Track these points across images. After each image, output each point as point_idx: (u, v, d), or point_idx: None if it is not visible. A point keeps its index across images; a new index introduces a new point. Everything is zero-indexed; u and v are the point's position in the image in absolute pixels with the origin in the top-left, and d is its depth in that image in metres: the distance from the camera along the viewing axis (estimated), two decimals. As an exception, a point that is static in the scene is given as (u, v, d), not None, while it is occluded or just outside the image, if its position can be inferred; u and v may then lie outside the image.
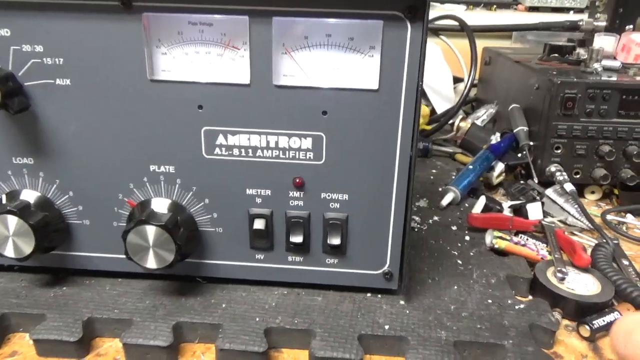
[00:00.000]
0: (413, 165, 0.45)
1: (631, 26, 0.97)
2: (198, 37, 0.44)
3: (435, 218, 0.67)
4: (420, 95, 0.43)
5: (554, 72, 0.80)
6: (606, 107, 0.75)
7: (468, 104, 1.21)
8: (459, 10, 1.62)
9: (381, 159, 0.45)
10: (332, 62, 0.43)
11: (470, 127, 0.97)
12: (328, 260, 0.49)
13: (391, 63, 0.43)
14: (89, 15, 0.43)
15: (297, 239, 0.47)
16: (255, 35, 0.43)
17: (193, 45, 0.44)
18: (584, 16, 1.26)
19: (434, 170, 0.86)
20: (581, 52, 0.92)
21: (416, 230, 0.63)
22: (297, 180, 0.46)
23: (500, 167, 0.80)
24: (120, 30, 0.43)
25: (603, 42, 0.92)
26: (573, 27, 1.09)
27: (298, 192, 0.47)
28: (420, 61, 0.42)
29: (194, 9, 0.42)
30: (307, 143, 0.45)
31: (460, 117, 1.01)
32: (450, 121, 1.02)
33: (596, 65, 0.83)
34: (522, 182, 0.79)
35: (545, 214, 0.71)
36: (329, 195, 0.47)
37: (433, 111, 1.13)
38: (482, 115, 1.05)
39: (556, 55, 0.94)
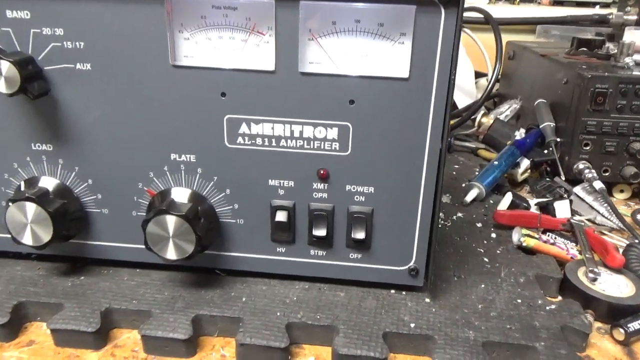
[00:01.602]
0: (443, 159, 0.43)
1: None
2: (222, 21, 0.42)
3: (460, 214, 0.65)
4: (452, 85, 0.41)
5: (584, 67, 0.77)
6: (638, 103, 0.73)
7: (490, 100, 1.18)
8: (481, 3, 1.59)
9: (410, 151, 0.43)
10: (361, 49, 0.42)
11: (493, 122, 0.94)
12: (351, 255, 0.47)
13: (423, 51, 0.41)
14: (110, -2, 0.41)
15: (320, 232, 0.46)
16: (281, 20, 0.41)
17: (216, 30, 0.43)
18: (612, 10, 1.22)
19: (456, 166, 0.84)
20: (611, 47, 0.89)
21: (440, 226, 0.61)
22: (322, 172, 0.45)
23: (525, 163, 0.78)
24: (142, 14, 0.42)
25: (634, 36, 0.89)
26: (602, 20, 1.06)
27: (322, 184, 0.45)
28: (453, 49, 0.40)
29: (218, -8, 0.41)
30: (333, 133, 0.44)
31: (482, 112, 0.99)
32: (472, 116, 1.00)
33: (627, 60, 0.80)
34: (548, 179, 0.76)
35: (573, 212, 0.69)
36: (354, 188, 0.45)
37: (454, 106, 1.10)
38: (506, 110, 1.02)
39: (585, 49, 0.91)
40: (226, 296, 0.46)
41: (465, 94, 1.15)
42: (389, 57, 0.42)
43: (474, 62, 1.20)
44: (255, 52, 0.42)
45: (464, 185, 0.73)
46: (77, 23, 0.42)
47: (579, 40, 0.93)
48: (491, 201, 0.69)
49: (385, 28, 0.41)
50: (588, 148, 0.75)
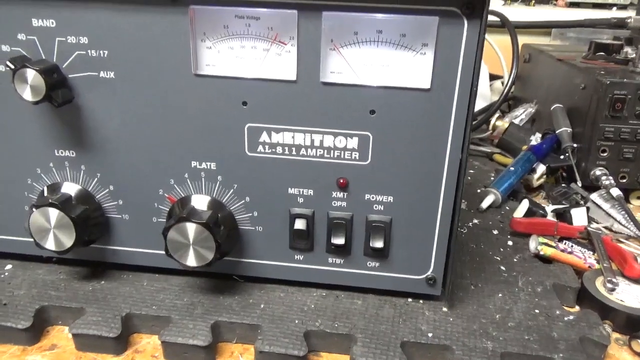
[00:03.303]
0: (464, 169, 0.43)
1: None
2: (244, 31, 0.43)
3: (475, 221, 0.65)
4: (474, 96, 0.41)
5: (602, 72, 0.77)
6: (658, 110, 0.72)
7: (504, 103, 1.18)
8: (496, 5, 1.58)
9: (430, 162, 0.44)
10: (382, 59, 0.42)
11: (508, 126, 0.94)
12: (369, 263, 0.48)
13: (445, 61, 0.41)
14: (134, 7, 0.42)
15: (339, 240, 0.46)
16: (304, 30, 0.41)
17: (239, 40, 0.43)
18: (630, 13, 1.21)
19: (471, 171, 0.83)
20: (629, 51, 0.88)
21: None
22: (341, 181, 0.45)
23: (541, 169, 0.77)
24: (165, 24, 0.42)
25: (653, 40, 0.88)
26: (620, 24, 1.04)
27: (341, 193, 0.46)
28: (476, 60, 0.40)
29: (241, 1, 0.41)
30: (353, 143, 0.44)
31: (497, 115, 0.98)
32: (487, 120, 1.00)
33: (647, 65, 0.79)
34: (564, 185, 0.76)
35: (590, 219, 0.68)
36: (373, 197, 0.45)
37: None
38: (521, 114, 1.01)
39: (602, 53, 0.90)
40: (244, 303, 0.47)
41: (479, 97, 1.14)
42: (410, 68, 0.42)
43: (488, 64, 1.19)
44: (276, 61, 0.43)
45: (479, 191, 0.72)
46: (102, 32, 0.43)
47: (596, 44, 0.92)
48: (507, 207, 0.69)
49: (407, 39, 0.41)
50: (605, 154, 0.74)
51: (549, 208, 0.68)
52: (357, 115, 0.43)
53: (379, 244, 0.46)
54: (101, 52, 0.44)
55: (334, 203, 0.46)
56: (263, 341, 0.42)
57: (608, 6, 1.52)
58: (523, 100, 1.07)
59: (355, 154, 0.44)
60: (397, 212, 0.46)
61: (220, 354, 0.44)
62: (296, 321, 0.44)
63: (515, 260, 0.56)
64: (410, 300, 0.48)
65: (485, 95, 1.16)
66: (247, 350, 0.44)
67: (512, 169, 0.74)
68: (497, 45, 1.17)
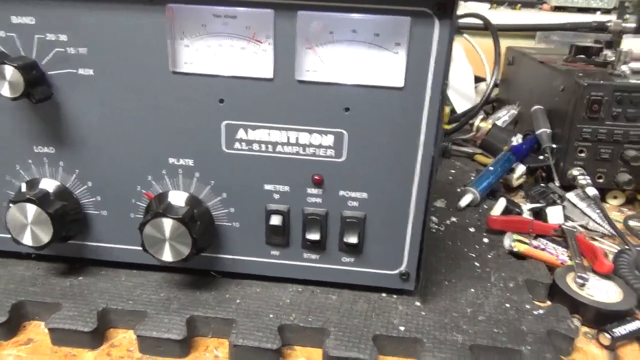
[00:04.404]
0: (435, 166, 0.44)
1: (661, 28, 0.94)
2: (222, 29, 0.43)
3: (453, 219, 0.66)
4: (444, 94, 0.42)
5: (580, 74, 0.78)
6: (633, 111, 0.73)
7: (488, 104, 1.19)
8: (482, 8, 1.59)
9: (403, 159, 0.44)
10: (357, 58, 0.43)
11: (491, 127, 0.95)
12: (344, 259, 0.48)
13: (417, 61, 0.42)
14: (113, 5, 0.42)
15: (314, 236, 0.47)
16: (280, 29, 0.42)
17: (216, 38, 0.44)
18: (612, 17, 1.23)
19: (452, 171, 0.84)
20: (608, 54, 0.90)
21: (433, 231, 0.62)
22: (316, 177, 0.46)
23: (521, 169, 0.79)
24: (144, 22, 0.43)
25: (632, 44, 0.90)
26: (601, 28, 1.06)
27: (316, 189, 0.46)
28: (446, 60, 0.41)
29: (218, 1, 0.42)
30: (328, 140, 0.45)
31: (481, 117, 1.00)
32: (470, 121, 1.01)
33: (624, 68, 0.81)
34: (542, 185, 0.77)
35: (566, 218, 0.69)
36: (347, 194, 0.46)
37: (453, 111, 1.11)
38: (504, 116, 1.03)
39: (582, 56, 0.92)
40: (221, 298, 0.47)
41: (464, 98, 1.16)
42: (384, 67, 0.43)
43: (475, 67, 1.21)
44: (253, 59, 0.43)
45: (459, 190, 0.73)
46: (81, 29, 0.43)
47: (577, 47, 0.94)
48: (485, 206, 0.70)
49: (381, 38, 0.42)
50: (583, 155, 0.75)
51: (526, 207, 0.69)
52: (332, 112, 0.44)
53: (353, 239, 0.46)
54: (80, 49, 0.44)
55: (309, 199, 0.47)
56: (237, 335, 0.43)
57: (592, 10, 1.54)
58: (507, 102, 1.09)
59: (330, 151, 0.45)
60: (371, 208, 0.46)
61: (195, 348, 0.44)
62: (270, 315, 0.45)
63: (489, 256, 0.57)
64: (384, 295, 0.49)
65: (471, 97, 1.17)
66: (222, 345, 0.45)
67: (491, 168, 0.75)
68: (483, 48, 1.18)
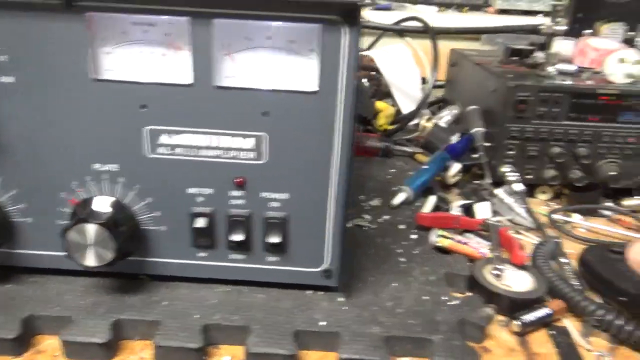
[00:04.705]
0: (351, 166, 0.46)
1: (590, 30, 0.99)
2: (142, 37, 0.44)
3: (386, 217, 0.68)
4: (355, 97, 0.44)
5: (510, 76, 0.82)
6: (558, 110, 0.77)
7: (435, 105, 1.23)
8: (431, 11, 1.64)
9: (320, 159, 0.46)
10: (273, 64, 0.44)
11: (432, 127, 0.98)
12: (269, 258, 0.50)
13: (329, 65, 0.44)
14: (32, 13, 0.43)
15: (238, 237, 0.48)
16: (197, 36, 0.43)
17: (137, 45, 0.45)
18: (548, 20, 1.28)
19: (393, 170, 0.87)
20: (539, 56, 0.94)
21: (365, 229, 0.64)
22: (239, 180, 0.47)
23: (456, 167, 0.82)
24: (63, 29, 0.43)
25: (562, 46, 0.95)
26: (533, 30, 1.11)
27: (239, 191, 0.48)
28: (356, 64, 0.43)
29: (136, 9, 0.43)
30: (249, 143, 0.46)
31: (427, 117, 1.03)
32: (416, 121, 1.04)
33: (550, 69, 0.85)
34: (476, 182, 0.81)
35: (496, 213, 0.73)
36: (269, 195, 0.48)
37: (399, 111, 1.14)
38: (446, 115, 1.07)
39: (516, 58, 0.96)
40: (148, 300, 0.48)
41: (410, 99, 1.18)
42: (299, 72, 0.44)
43: (422, 68, 1.24)
44: (173, 66, 0.45)
45: (394, 189, 0.76)
46: (0, 37, 0.43)
47: (511, 49, 0.98)
48: (419, 204, 0.73)
49: (295, 45, 0.44)
50: (512, 152, 0.79)
51: (456, 203, 0.72)
52: (252, 117, 0.46)
53: (275, 239, 0.48)
54: (1, 57, 0.44)
55: (233, 201, 0.48)
56: (161, 336, 0.44)
57: (535, 13, 1.60)
58: (451, 102, 1.13)
59: (251, 154, 0.47)
60: (293, 208, 0.48)
61: (121, 351, 0.45)
62: (196, 316, 0.46)
63: (416, 252, 0.59)
64: (310, 292, 0.51)
65: (416, 98, 1.20)
66: (147, 347, 0.45)
67: (425, 167, 0.78)
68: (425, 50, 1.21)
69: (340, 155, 0.46)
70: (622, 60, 0.80)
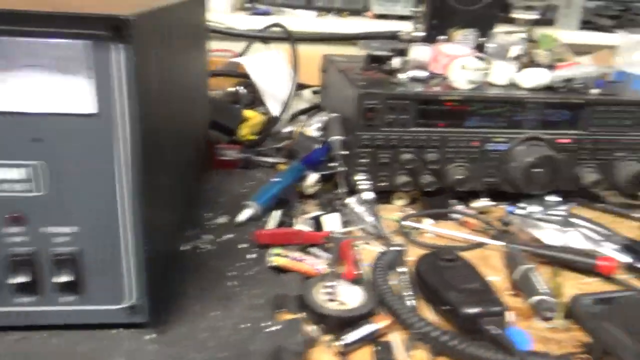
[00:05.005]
0: (147, 190, 0.42)
1: (445, 37, 1.03)
2: None
3: (230, 235, 0.65)
4: (141, 117, 0.41)
5: (363, 83, 0.82)
6: (406, 117, 0.79)
7: (310, 112, 1.22)
8: (310, 16, 1.64)
9: (105, 188, 0.42)
10: (42, 85, 0.39)
11: (298, 135, 0.97)
12: (62, 299, 0.45)
13: (108, 85, 0.40)
14: None
15: (23, 278, 0.43)
16: (-54, 54, 0.37)
17: None
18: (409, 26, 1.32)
19: (252, 182, 0.84)
20: (395, 62, 0.96)
21: (198, 251, 0.61)
22: (15, 215, 0.42)
23: (313, 177, 0.81)
24: None
25: (419, 52, 0.97)
26: (393, 37, 1.14)
27: (18, 228, 0.42)
28: (136, 81, 0.40)
29: None
30: (22, 173, 0.41)
31: (301, 125, 1.01)
32: (290, 129, 1.03)
33: (402, 76, 0.87)
34: (333, 192, 0.80)
35: (349, 223, 0.72)
36: (55, 229, 0.43)
37: (270, 119, 1.12)
38: (316, 123, 1.06)
39: (376, 64, 0.97)
40: None
41: (282, 105, 1.17)
42: (74, 93, 0.40)
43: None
44: None
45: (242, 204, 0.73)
46: None
47: (372, 56, 0.99)
48: (265, 219, 0.71)
49: (66, 63, 0.39)
50: (365, 160, 0.79)
51: (307, 216, 0.71)
52: (21, 144, 0.40)
53: (66, 277, 0.43)
54: None
55: (12, 239, 0.42)
56: None
57: (411, 18, 1.65)
58: (323, 110, 1.12)
59: (27, 185, 0.41)
60: (85, 242, 0.43)
61: None
62: (-32, 374, 0.40)
63: (250, 273, 0.57)
64: (114, 331, 0.46)
65: (290, 104, 1.19)
66: None
67: (276, 180, 0.76)
68: (309, 56, 1.20)
69: (129, 182, 0.42)
70: (463, 67, 0.83)
